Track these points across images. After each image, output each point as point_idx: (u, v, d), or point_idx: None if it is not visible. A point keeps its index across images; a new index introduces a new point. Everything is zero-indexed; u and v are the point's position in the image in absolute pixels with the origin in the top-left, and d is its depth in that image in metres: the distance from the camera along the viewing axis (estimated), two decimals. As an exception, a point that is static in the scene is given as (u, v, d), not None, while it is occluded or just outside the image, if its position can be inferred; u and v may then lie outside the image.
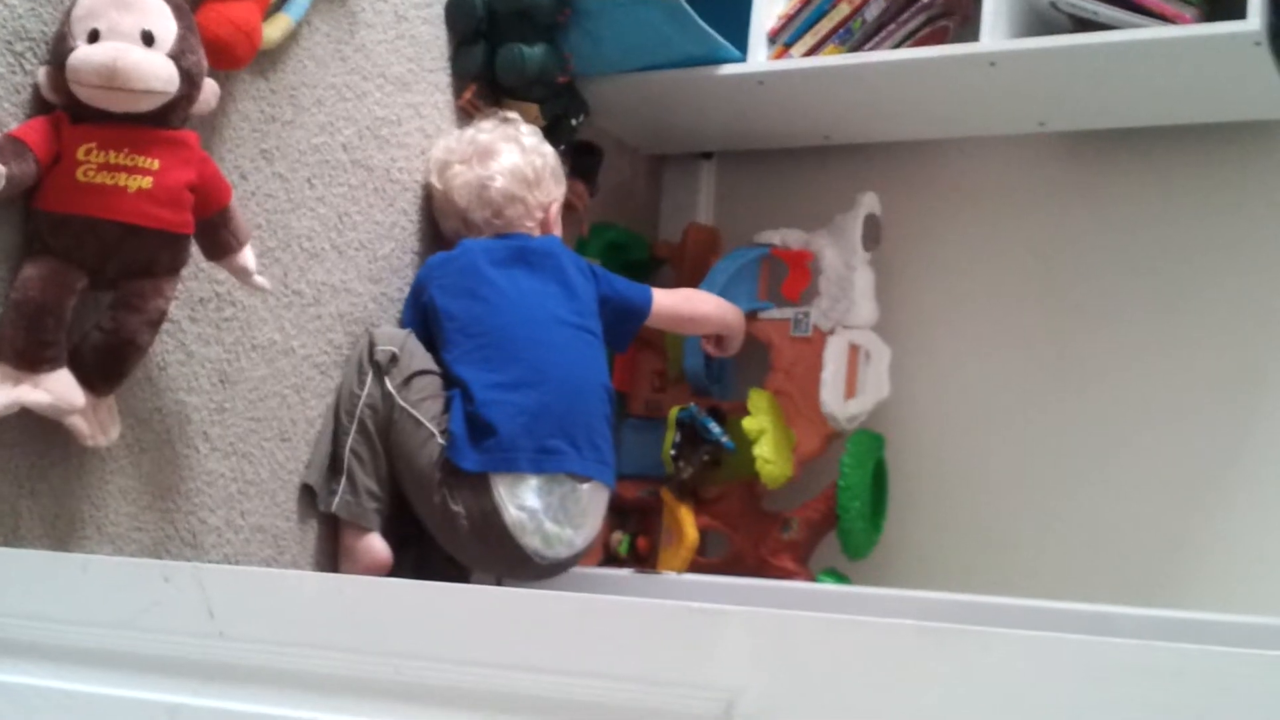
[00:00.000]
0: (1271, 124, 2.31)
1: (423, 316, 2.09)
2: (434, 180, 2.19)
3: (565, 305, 2.10)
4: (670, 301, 2.31)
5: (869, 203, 2.49)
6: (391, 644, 1.17)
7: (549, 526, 1.98)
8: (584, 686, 1.09)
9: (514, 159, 2.16)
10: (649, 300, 2.26)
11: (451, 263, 2.10)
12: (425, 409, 1.99)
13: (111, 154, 1.54)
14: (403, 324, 2.11)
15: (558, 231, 2.22)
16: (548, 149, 2.21)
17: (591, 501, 2.05)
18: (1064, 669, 0.93)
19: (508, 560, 2.00)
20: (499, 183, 2.13)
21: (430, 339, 2.07)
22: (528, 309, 2.07)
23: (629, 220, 2.75)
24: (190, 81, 1.60)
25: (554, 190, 2.21)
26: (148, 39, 1.57)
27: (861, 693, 0.98)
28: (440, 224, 2.21)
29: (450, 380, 2.02)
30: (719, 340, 2.43)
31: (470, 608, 1.18)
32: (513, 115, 2.24)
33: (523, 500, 1.97)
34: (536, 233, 2.17)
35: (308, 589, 1.27)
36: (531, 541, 1.98)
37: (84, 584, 1.34)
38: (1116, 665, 0.92)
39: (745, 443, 2.36)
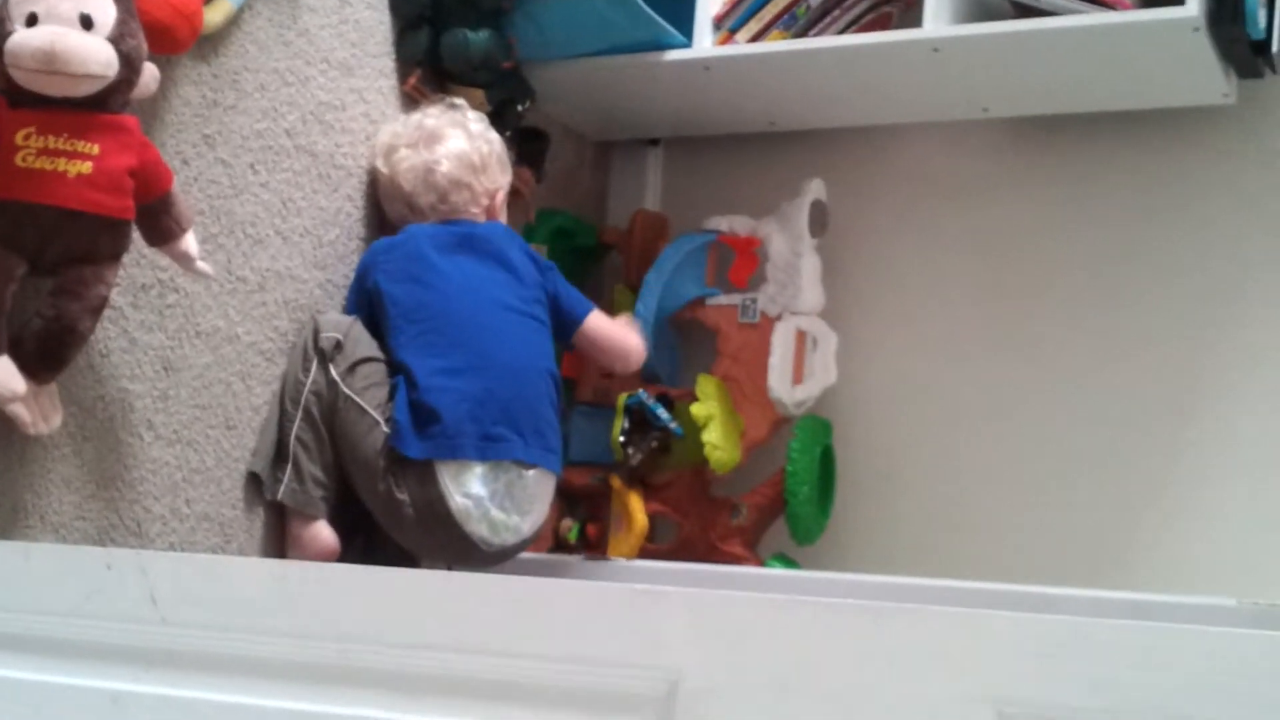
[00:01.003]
0: (1211, 109, 2.33)
1: (368, 302, 2.08)
2: (380, 165, 2.17)
3: (511, 291, 2.09)
4: (604, 328, 2.25)
5: (815, 189, 2.50)
6: (337, 628, 1.17)
7: (495, 514, 1.98)
8: (530, 669, 1.10)
9: (460, 144, 2.15)
10: (584, 314, 2.21)
11: (396, 248, 2.09)
12: (370, 396, 1.98)
13: (51, 139, 1.53)
14: (347, 310, 2.10)
15: (503, 218, 2.22)
16: (494, 136, 2.21)
17: (538, 488, 2.05)
18: (1001, 645, 0.94)
19: (454, 548, 1.99)
20: (445, 167, 2.12)
21: (375, 325, 2.06)
22: (472, 294, 2.06)
23: (576, 206, 2.75)
24: (130, 65, 1.59)
25: (500, 177, 2.20)
26: (86, 23, 1.55)
27: (803, 670, 0.98)
28: (385, 209, 2.19)
29: (395, 367, 2.01)
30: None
31: (415, 592, 1.18)
32: (459, 101, 2.22)
33: (468, 488, 1.96)
34: (482, 219, 2.16)
35: (251, 575, 1.27)
36: (478, 529, 1.97)
37: (26, 572, 1.34)
38: (1052, 640, 0.93)
39: (694, 429, 2.37)
